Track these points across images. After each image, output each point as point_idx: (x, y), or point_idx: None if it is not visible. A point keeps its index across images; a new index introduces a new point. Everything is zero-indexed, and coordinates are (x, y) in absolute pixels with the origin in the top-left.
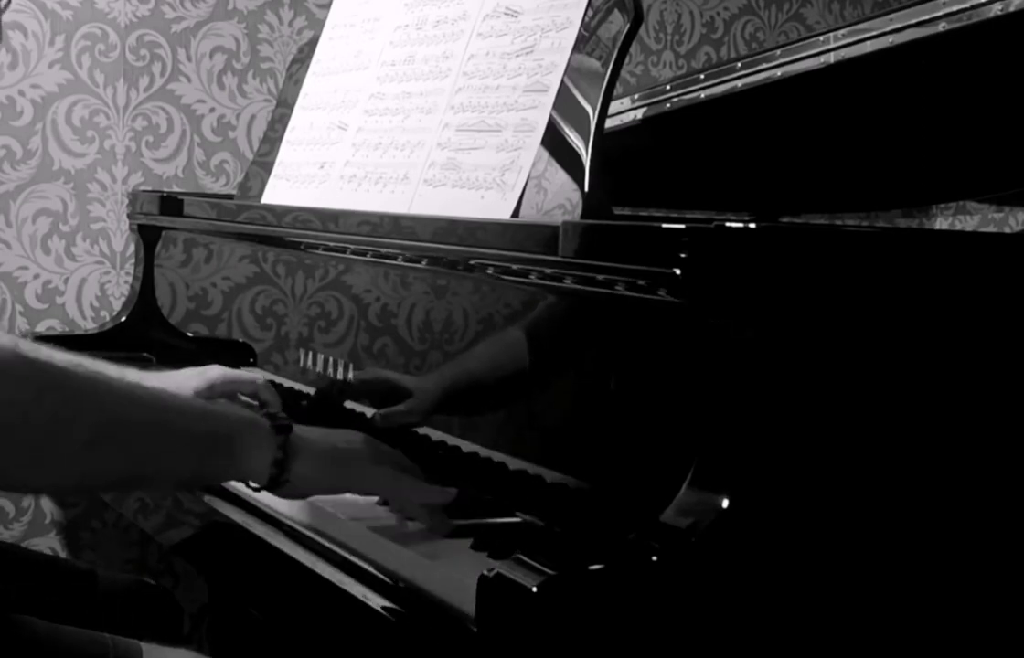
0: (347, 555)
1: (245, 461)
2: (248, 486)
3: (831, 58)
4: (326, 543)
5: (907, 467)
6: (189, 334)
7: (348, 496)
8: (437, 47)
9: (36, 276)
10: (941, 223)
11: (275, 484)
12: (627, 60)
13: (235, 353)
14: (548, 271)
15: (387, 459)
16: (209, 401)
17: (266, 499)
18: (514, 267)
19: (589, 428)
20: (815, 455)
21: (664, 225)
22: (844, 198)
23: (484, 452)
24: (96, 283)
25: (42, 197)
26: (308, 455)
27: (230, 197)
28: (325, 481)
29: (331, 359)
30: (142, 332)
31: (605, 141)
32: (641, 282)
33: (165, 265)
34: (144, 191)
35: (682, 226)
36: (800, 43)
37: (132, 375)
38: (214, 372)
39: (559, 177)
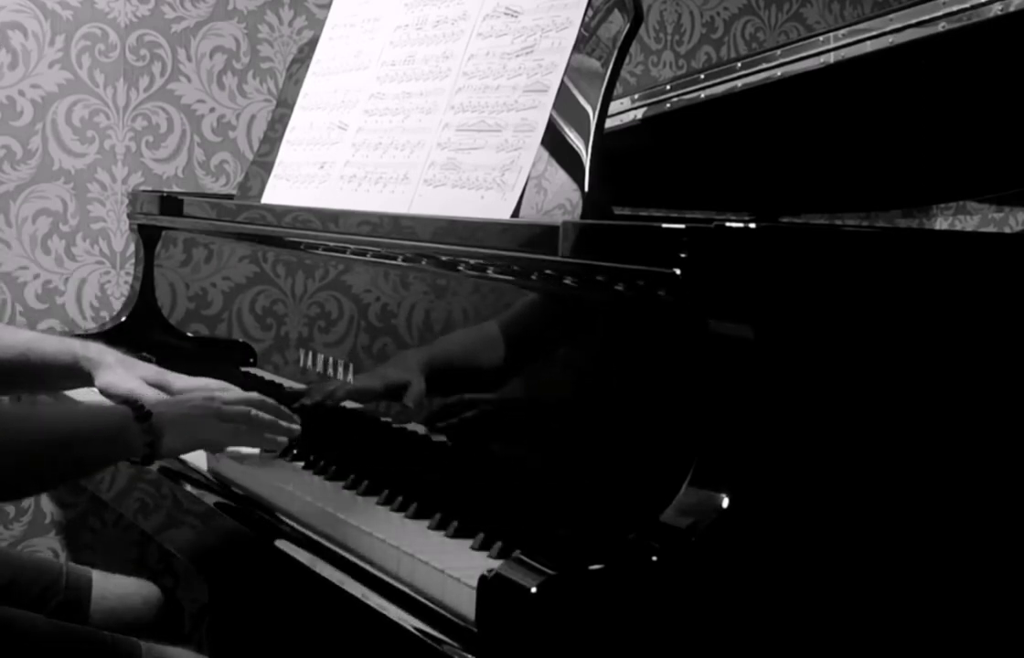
0: (347, 555)
1: (126, 445)
2: (130, 462)
3: (831, 58)
4: (327, 544)
5: (907, 466)
6: (189, 334)
7: (348, 495)
8: (437, 47)
9: (36, 276)
10: (941, 223)
11: (149, 460)
12: (627, 60)
13: (235, 353)
14: (548, 271)
15: (231, 409)
16: (75, 408)
17: (267, 497)
18: (514, 267)
19: (589, 428)
20: (815, 455)
21: (664, 225)
22: (844, 198)
23: (484, 452)
24: (96, 283)
25: (42, 197)
26: (171, 430)
27: (230, 197)
28: (186, 445)
29: (331, 359)
30: (142, 332)
31: (605, 141)
32: (641, 282)
33: (165, 265)
34: (144, 191)
35: (682, 226)
36: (800, 43)
37: (23, 344)
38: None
39: (559, 177)
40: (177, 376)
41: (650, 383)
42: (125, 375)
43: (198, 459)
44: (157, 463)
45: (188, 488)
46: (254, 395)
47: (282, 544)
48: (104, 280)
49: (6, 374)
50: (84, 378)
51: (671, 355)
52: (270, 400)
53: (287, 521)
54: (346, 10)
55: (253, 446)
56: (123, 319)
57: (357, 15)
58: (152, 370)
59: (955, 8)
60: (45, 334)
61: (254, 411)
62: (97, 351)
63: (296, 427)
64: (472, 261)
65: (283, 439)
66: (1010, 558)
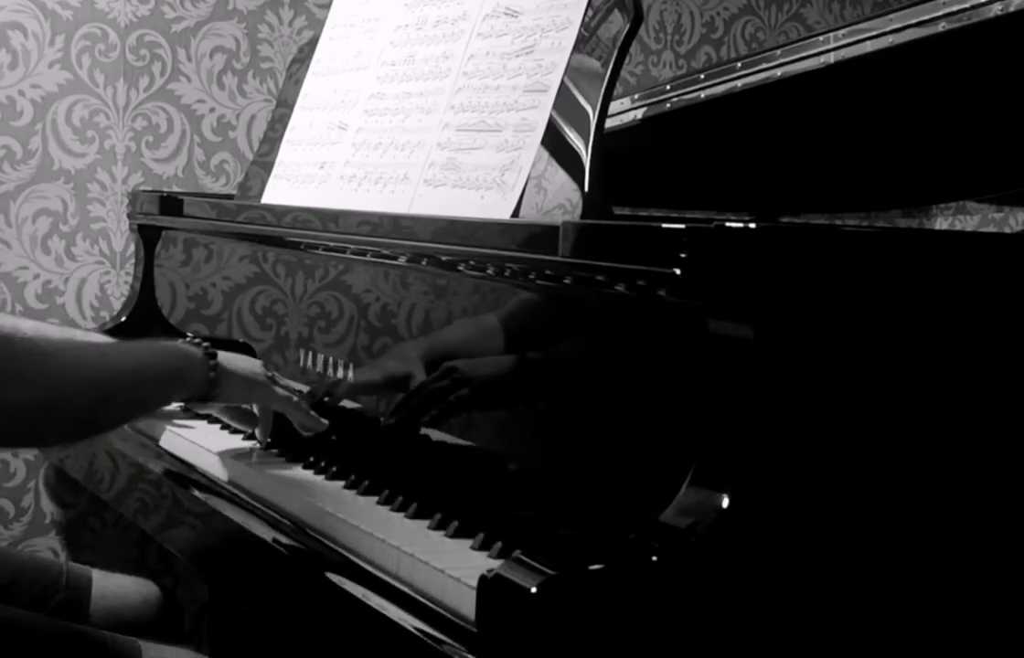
0: (347, 555)
1: (185, 383)
2: (188, 401)
3: (831, 58)
4: (328, 543)
5: (907, 466)
6: (189, 334)
7: (348, 495)
8: (437, 47)
9: (36, 276)
10: (941, 223)
11: (207, 398)
12: (627, 60)
13: (235, 353)
14: (548, 271)
15: (277, 385)
16: (150, 343)
17: (268, 497)
18: (514, 267)
19: (589, 428)
20: (815, 455)
21: (664, 225)
22: (844, 198)
23: (484, 452)
24: (96, 283)
25: (42, 197)
26: (231, 376)
27: (230, 197)
28: (241, 396)
29: (331, 359)
30: (142, 332)
31: (605, 141)
32: (641, 282)
33: (165, 265)
34: (144, 191)
35: (682, 226)
36: (800, 43)
37: (92, 338)
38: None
39: (559, 177)
40: None
41: (650, 383)
42: None
43: (198, 458)
44: (157, 462)
45: (188, 488)
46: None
47: (282, 544)
48: (104, 280)
49: None
50: None
51: (671, 355)
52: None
53: (287, 521)
54: (346, 10)
55: (296, 420)
56: (123, 319)
57: (357, 15)
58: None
59: (955, 8)
60: (48, 325)
61: (302, 402)
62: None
63: (325, 423)
64: (472, 261)
65: (325, 421)
66: (1010, 558)
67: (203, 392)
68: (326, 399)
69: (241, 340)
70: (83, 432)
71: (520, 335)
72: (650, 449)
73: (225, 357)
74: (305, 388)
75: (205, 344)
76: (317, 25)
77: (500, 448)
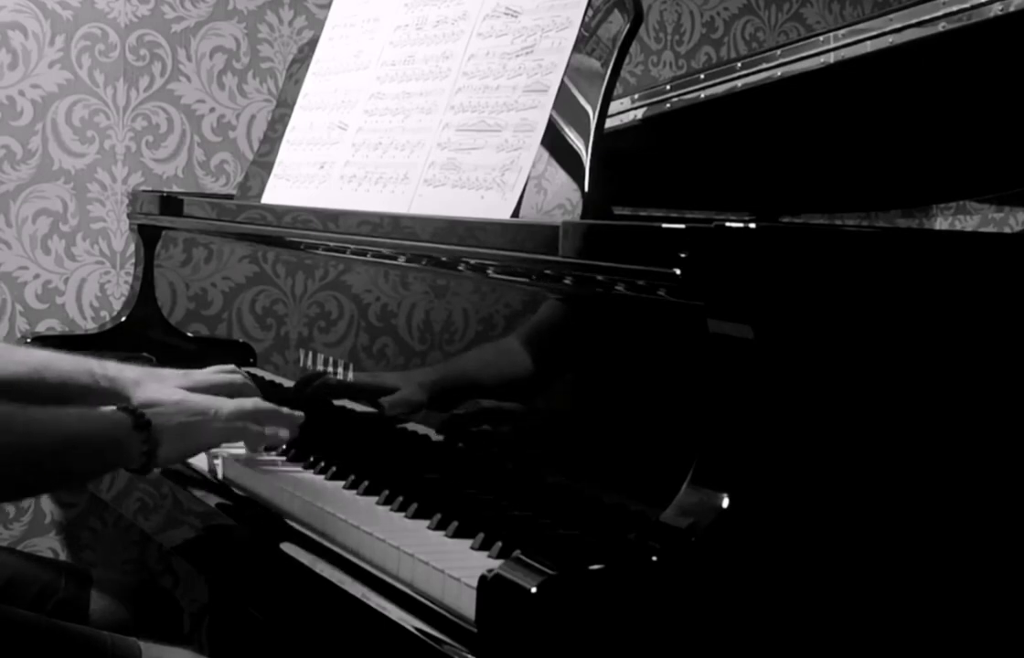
0: (347, 555)
1: (119, 455)
2: (127, 470)
3: (831, 58)
4: (327, 543)
5: (907, 466)
6: (189, 334)
7: (348, 495)
8: (437, 47)
9: (36, 276)
10: (941, 223)
11: (145, 470)
12: (627, 60)
13: (235, 353)
14: (548, 271)
15: (228, 411)
16: (77, 411)
17: (268, 497)
18: (514, 267)
19: (589, 428)
20: (815, 455)
21: (664, 225)
22: (844, 198)
23: (484, 452)
24: (96, 283)
25: (42, 197)
26: (169, 438)
27: (230, 197)
28: (185, 454)
29: (331, 359)
30: (142, 332)
31: (605, 141)
32: (641, 282)
33: (165, 265)
34: (144, 191)
35: (682, 226)
36: (800, 43)
37: (39, 362)
38: (197, 376)
39: (559, 177)
40: (203, 374)
41: (650, 383)
42: (159, 388)
43: (199, 460)
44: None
45: (188, 489)
46: (248, 403)
47: (282, 544)
48: (104, 280)
49: (20, 393)
50: (104, 397)
51: (671, 355)
52: (266, 405)
53: (287, 521)
54: (346, 10)
55: (252, 443)
56: (123, 319)
57: (357, 15)
58: (179, 375)
59: (955, 8)
60: (60, 353)
61: (252, 426)
62: (116, 369)
63: (299, 415)
64: (472, 261)
65: (284, 433)
66: (1010, 558)
67: (139, 464)
68: (327, 401)
69: (241, 340)
70: (7, 496)
71: (520, 335)
72: (650, 449)
73: (161, 418)
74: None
75: (139, 413)
76: (317, 25)
77: (500, 448)
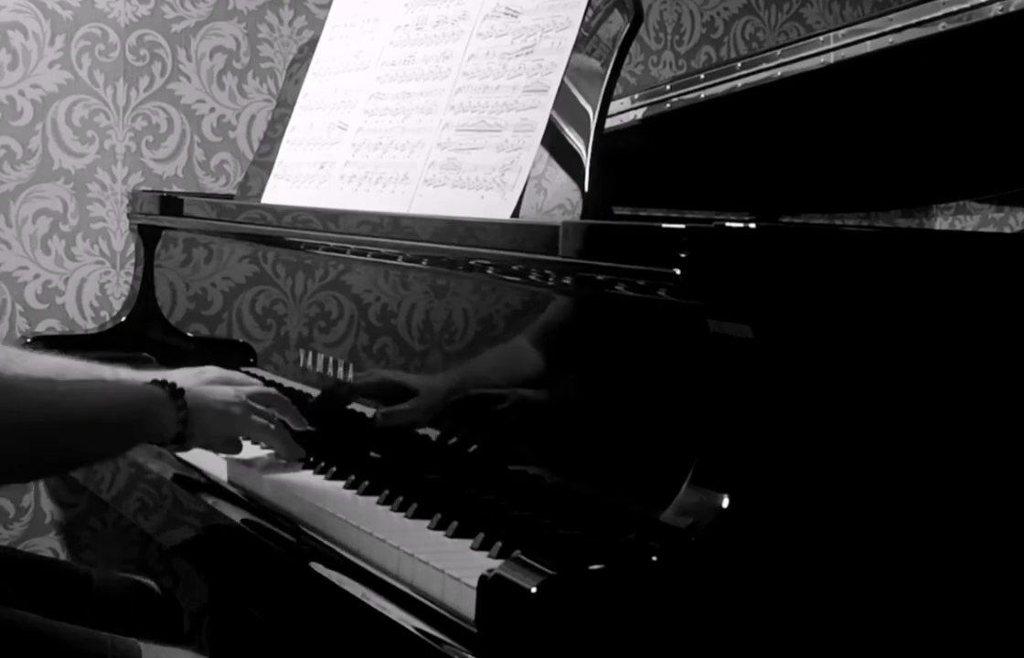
0: (347, 555)
1: (151, 429)
2: (159, 445)
3: (831, 58)
4: (327, 543)
5: (907, 467)
6: (189, 334)
7: (348, 495)
8: (437, 47)
9: (36, 276)
10: (941, 223)
11: (181, 440)
12: (627, 60)
13: (235, 353)
14: (548, 271)
15: (261, 407)
16: (112, 381)
17: (268, 497)
18: (514, 267)
19: (589, 428)
20: (815, 455)
21: (664, 225)
22: (844, 198)
23: (484, 452)
24: (96, 283)
25: (42, 197)
26: (203, 413)
27: (230, 197)
28: (218, 435)
29: (331, 359)
30: (142, 332)
31: (605, 141)
32: (641, 282)
33: (165, 265)
34: (144, 191)
35: (682, 226)
36: (800, 43)
37: (53, 370)
38: (210, 373)
39: (559, 177)
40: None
41: (650, 383)
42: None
43: (199, 459)
44: (160, 464)
45: (188, 489)
46: (273, 391)
47: (282, 544)
48: (104, 280)
49: None
50: None
51: (671, 355)
52: (285, 398)
53: (287, 521)
54: (346, 10)
55: (275, 447)
56: (123, 319)
57: (357, 15)
58: (193, 372)
59: (955, 8)
60: (73, 360)
61: (278, 414)
62: (127, 374)
63: (301, 452)
64: (472, 261)
65: (302, 451)
66: (1010, 558)
67: (173, 437)
68: (327, 401)
69: (241, 340)
70: (28, 474)
71: (520, 335)
72: (650, 449)
73: (194, 392)
74: (313, 391)
75: (171, 383)
76: (317, 25)
77: (500, 448)
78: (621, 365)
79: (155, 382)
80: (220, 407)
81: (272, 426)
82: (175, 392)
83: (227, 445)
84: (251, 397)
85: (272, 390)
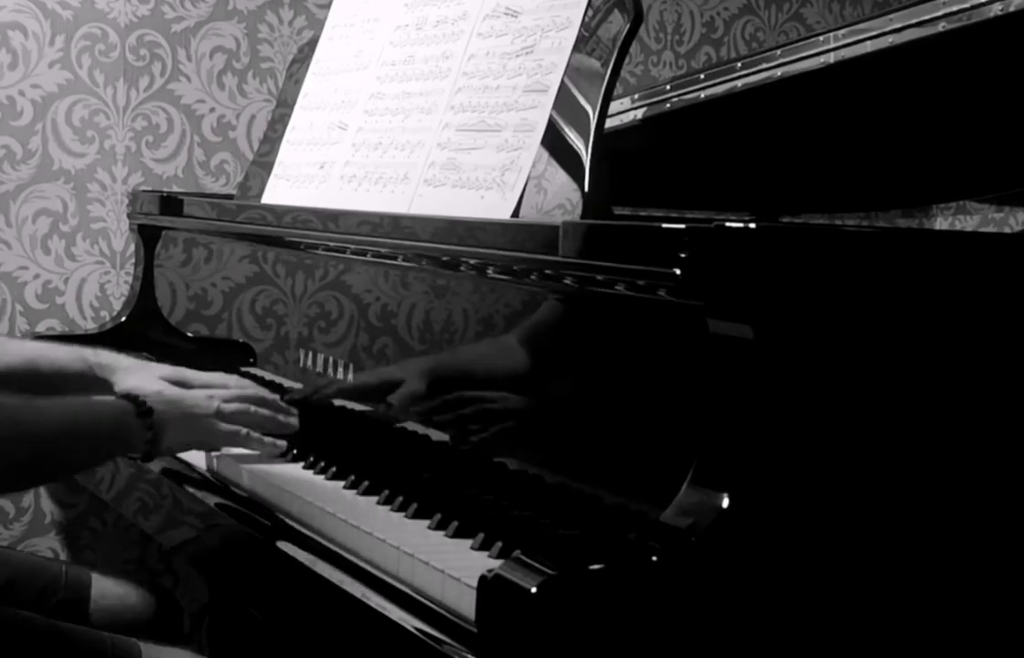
0: (347, 555)
1: (120, 443)
2: (129, 458)
3: (831, 58)
4: (327, 544)
5: (907, 467)
6: (189, 334)
7: (348, 495)
8: (437, 47)
9: (36, 276)
10: (941, 223)
11: (148, 457)
12: (627, 60)
13: (235, 353)
14: (548, 271)
15: (231, 408)
16: (80, 400)
17: (268, 497)
18: (514, 267)
19: (589, 428)
20: (815, 455)
21: (664, 225)
22: (844, 198)
23: (484, 452)
24: (96, 283)
25: (42, 197)
26: (172, 428)
27: (230, 197)
28: (187, 444)
29: (331, 359)
30: (142, 332)
31: (605, 141)
32: (641, 282)
33: (165, 265)
34: (144, 191)
35: (682, 226)
36: (800, 43)
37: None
38: (158, 370)
39: (559, 177)
40: (195, 374)
41: (650, 383)
42: (147, 377)
43: (198, 459)
44: (157, 462)
45: (188, 488)
46: (251, 390)
47: (282, 544)
48: (104, 280)
49: (14, 383)
50: (99, 385)
51: (671, 355)
52: (269, 395)
53: (287, 521)
54: (346, 10)
55: (251, 450)
56: (123, 319)
57: (357, 15)
58: (168, 369)
59: (955, 8)
60: (54, 343)
61: (253, 408)
62: (109, 357)
63: (294, 421)
64: (472, 261)
65: (282, 443)
66: (1010, 558)
67: (143, 450)
68: (327, 401)
69: (241, 340)
70: (10, 487)
71: (520, 335)
72: (650, 449)
73: (162, 406)
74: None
75: (140, 400)
76: (317, 25)
77: (500, 448)
78: (621, 365)
79: (124, 396)
80: (187, 421)
81: (243, 432)
82: (142, 410)
83: (200, 447)
84: (226, 400)
85: (253, 389)
